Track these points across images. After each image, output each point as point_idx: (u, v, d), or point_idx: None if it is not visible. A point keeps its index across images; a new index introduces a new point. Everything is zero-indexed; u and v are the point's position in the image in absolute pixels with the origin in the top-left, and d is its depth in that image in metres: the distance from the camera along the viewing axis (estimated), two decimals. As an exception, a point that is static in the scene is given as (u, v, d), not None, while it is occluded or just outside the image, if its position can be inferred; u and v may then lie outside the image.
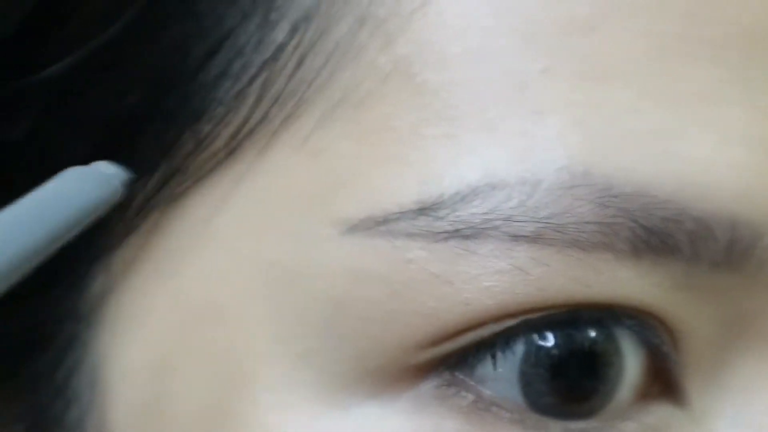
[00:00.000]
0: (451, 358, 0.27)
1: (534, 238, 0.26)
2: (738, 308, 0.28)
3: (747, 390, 0.28)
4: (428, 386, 0.27)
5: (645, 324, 0.27)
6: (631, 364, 0.28)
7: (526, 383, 0.27)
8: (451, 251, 0.26)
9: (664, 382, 0.28)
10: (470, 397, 0.27)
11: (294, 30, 0.27)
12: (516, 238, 0.26)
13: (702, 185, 0.26)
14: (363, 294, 0.26)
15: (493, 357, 0.27)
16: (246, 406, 0.27)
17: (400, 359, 0.26)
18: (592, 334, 0.27)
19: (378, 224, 0.26)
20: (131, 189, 0.28)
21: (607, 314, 0.27)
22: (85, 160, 0.29)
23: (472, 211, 0.26)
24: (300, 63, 0.27)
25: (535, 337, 0.27)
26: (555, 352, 0.27)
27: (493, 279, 0.26)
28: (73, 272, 0.30)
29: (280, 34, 0.27)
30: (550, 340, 0.27)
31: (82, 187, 0.25)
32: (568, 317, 0.27)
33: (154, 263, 0.29)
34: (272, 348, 0.27)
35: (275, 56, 0.27)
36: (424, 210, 0.26)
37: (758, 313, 0.28)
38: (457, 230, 0.26)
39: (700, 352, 0.28)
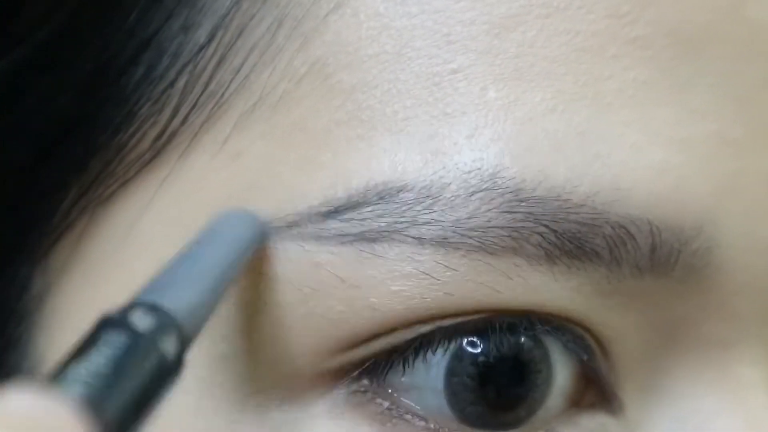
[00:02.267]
0: (365, 363, 0.26)
1: (440, 242, 0.25)
2: (669, 314, 0.27)
3: (683, 396, 0.27)
4: (343, 392, 0.26)
5: (567, 331, 0.27)
6: (561, 371, 0.27)
7: (452, 393, 0.27)
8: (357, 255, 0.25)
9: (597, 390, 0.27)
10: (385, 404, 0.26)
11: (214, 31, 0.27)
12: (422, 241, 0.25)
13: (620, 189, 0.25)
14: (275, 298, 0.26)
15: (406, 363, 0.26)
16: (167, 408, 0.27)
17: (314, 364, 0.26)
18: (519, 339, 0.26)
19: (289, 227, 0.26)
20: (63, 191, 0.29)
21: (523, 321, 0.26)
22: (19, 163, 0.29)
23: (377, 214, 0.25)
24: (219, 65, 0.27)
25: (454, 344, 0.26)
26: (480, 359, 0.26)
27: (399, 283, 0.25)
28: (14, 273, 0.30)
29: (201, 35, 0.27)
30: (473, 347, 0.26)
31: (243, 228, 0.26)
32: (483, 324, 0.26)
33: (86, 265, 0.29)
34: (190, 351, 0.27)
35: (195, 58, 0.27)
36: (331, 212, 0.26)
37: (691, 319, 0.27)
38: (362, 233, 0.25)
39: (632, 359, 0.27)
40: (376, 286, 0.25)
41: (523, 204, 0.25)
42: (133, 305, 0.22)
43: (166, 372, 0.21)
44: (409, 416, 0.26)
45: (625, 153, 0.26)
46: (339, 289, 0.25)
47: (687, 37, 0.26)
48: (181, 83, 0.27)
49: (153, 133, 0.28)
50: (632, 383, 0.27)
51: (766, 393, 0.27)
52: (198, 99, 0.27)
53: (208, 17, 0.27)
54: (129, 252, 0.28)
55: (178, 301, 0.23)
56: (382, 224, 0.25)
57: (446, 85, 0.26)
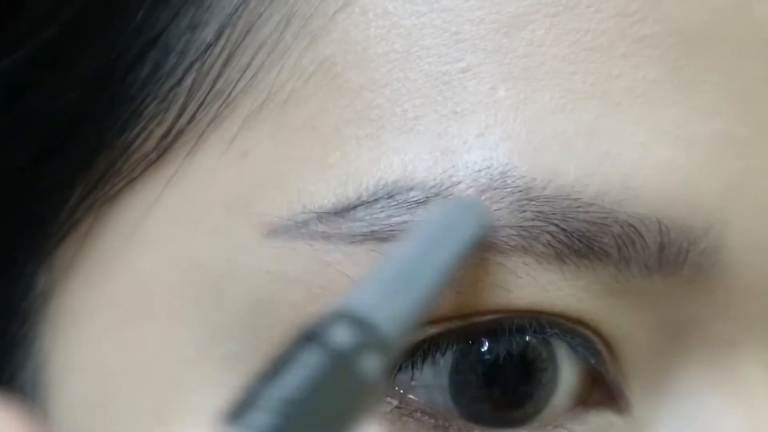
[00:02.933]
0: None
1: None
2: (677, 313, 0.27)
3: (690, 395, 0.27)
4: None
5: (575, 334, 0.27)
6: (567, 369, 0.27)
7: (457, 390, 0.26)
8: (366, 254, 0.25)
9: (604, 389, 0.27)
10: (394, 402, 0.26)
11: (222, 29, 0.27)
12: None
13: (630, 188, 0.25)
14: (284, 297, 0.26)
15: (415, 365, 0.26)
16: (175, 408, 0.27)
17: None
18: (525, 338, 0.26)
19: (298, 227, 0.26)
20: (68, 189, 0.29)
21: (532, 323, 0.26)
22: (24, 161, 0.29)
23: (388, 213, 0.25)
24: (226, 63, 0.27)
25: (462, 344, 0.26)
26: (486, 357, 0.26)
27: None
28: (19, 272, 0.30)
29: (208, 33, 0.27)
30: (479, 346, 0.26)
31: (472, 215, 0.25)
32: (492, 325, 0.26)
33: (91, 264, 0.29)
34: (198, 350, 0.27)
35: (203, 56, 0.27)
36: (340, 212, 0.26)
37: (699, 318, 0.27)
38: (372, 232, 0.25)
39: (640, 358, 0.27)
40: None
41: (533, 203, 0.25)
42: (334, 317, 0.20)
43: (366, 394, 0.19)
44: (418, 414, 0.26)
45: (634, 152, 0.26)
46: (348, 288, 0.25)
47: (693, 36, 0.27)
48: (188, 82, 0.27)
49: (159, 132, 0.28)
50: (639, 382, 0.27)
51: None
52: (205, 97, 0.27)
53: (215, 15, 0.27)
54: (135, 251, 0.28)
55: (387, 311, 0.21)
56: (392, 223, 0.25)
57: (456, 83, 0.26)
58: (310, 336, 0.19)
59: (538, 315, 0.26)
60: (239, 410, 0.18)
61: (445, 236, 0.24)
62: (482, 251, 0.25)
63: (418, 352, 0.26)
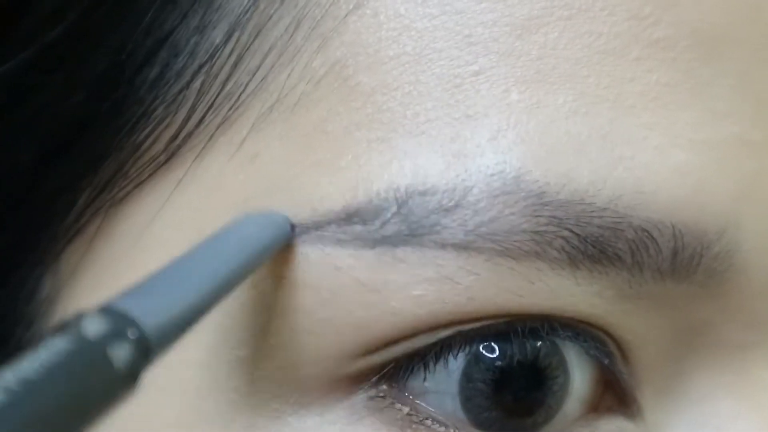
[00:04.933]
0: (385, 368, 0.26)
1: (463, 247, 0.25)
2: (690, 318, 0.27)
3: (703, 399, 0.27)
4: (362, 397, 0.26)
5: (587, 335, 0.26)
6: (579, 376, 0.27)
7: (466, 397, 0.26)
8: (378, 259, 0.25)
9: (615, 395, 0.27)
10: (405, 409, 0.26)
11: (231, 31, 0.27)
12: (444, 246, 0.25)
13: (643, 192, 0.25)
14: (294, 303, 0.26)
15: (427, 368, 0.26)
16: (184, 415, 0.27)
17: (333, 369, 0.26)
18: (536, 344, 0.26)
19: (308, 231, 0.26)
20: (75, 192, 0.28)
21: (545, 325, 0.26)
22: (31, 163, 0.29)
23: (399, 218, 0.25)
24: (236, 65, 0.27)
25: (473, 348, 0.26)
26: (496, 364, 0.26)
27: (421, 288, 0.25)
28: (25, 276, 0.30)
29: (217, 35, 0.27)
30: (490, 352, 0.26)
31: (261, 229, 0.25)
32: (504, 328, 0.26)
33: (98, 268, 0.29)
34: (209, 355, 0.27)
35: (212, 58, 0.27)
36: (351, 216, 0.25)
37: (711, 322, 0.27)
38: (384, 237, 0.25)
39: (652, 362, 0.27)
40: (396, 290, 0.25)
41: (546, 207, 0.25)
42: (94, 309, 0.20)
43: (113, 383, 0.19)
44: (428, 422, 0.26)
45: (648, 155, 0.25)
46: (359, 293, 0.25)
47: (708, 39, 0.26)
48: (197, 84, 0.27)
49: (168, 134, 0.27)
50: (651, 386, 0.27)
51: None
52: (214, 100, 0.27)
53: (224, 17, 0.27)
54: (142, 255, 0.28)
55: (151, 307, 0.21)
56: (404, 228, 0.25)
57: (468, 87, 0.25)
58: (63, 325, 0.19)
59: (549, 318, 0.26)
60: None
61: (235, 245, 0.24)
62: (493, 256, 0.25)
63: (429, 355, 0.26)
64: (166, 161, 0.27)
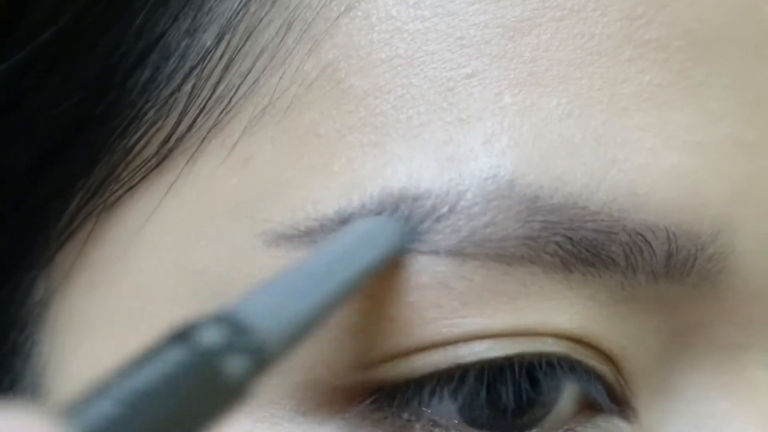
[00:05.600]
0: (382, 388, 0.26)
1: (456, 252, 0.25)
2: (683, 319, 0.27)
3: (698, 400, 0.27)
4: (359, 409, 0.26)
5: (579, 364, 0.26)
6: (571, 375, 0.27)
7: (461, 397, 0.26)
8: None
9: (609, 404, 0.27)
10: (405, 415, 0.26)
11: (222, 34, 0.27)
12: (437, 251, 0.25)
13: (637, 194, 0.25)
14: None
15: (421, 400, 0.26)
16: None
17: (329, 377, 0.26)
18: (534, 376, 0.26)
19: (301, 235, 0.25)
20: (68, 196, 0.28)
21: (542, 362, 0.26)
22: (23, 167, 0.29)
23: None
24: (227, 68, 0.27)
25: (469, 383, 0.26)
26: (492, 387, 0.26)
27: (415, 294, 0.25)
28: (18, 279, 0.30)
29: (208, 37, 0.27)
30: (485, 374, 0.26)
31: (378, 234, 0.25)
32: (500, 363, 0.25)
33: (91, 272, 0.28)
34: None
35: (203, 61, 0.27)
36: (345, 221, 0.25)
37: (705, 323, 0.27)
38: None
39: (647, 365, 0.27)
40: (391, 296, 0.25)
41: (539, 212, 0.25)
42: (209, 318, 0.20)
43: (227, 395, 0.19)
44: (430, 425, 0.26)
45: (641, 158, 0.25)
46: (354, 299, 0.25)
47: (702, 39, 0.26)
48: (188, 87, 0.27)
49: (160, 138, 0.27)
50: (646, 388, 0.27)
51: None
52: (206, 103, 0.27)
53: (215, 20, 0.27)
54: (135, 258, 0.28)
55: (267, 315, 0.20)
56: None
57: (461, 90, 0.25)
58: (178, 334, 0.19)
59: (545, 349, 0.25)
60: (87, 398, 0.17)
61: (351, 253, 0.24)
62: (487, 261, 0.25)
63: (426, 387, 0.26)
64: (158, 165, 0.27)
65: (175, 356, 0.18)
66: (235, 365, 0.19)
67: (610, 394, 0.27)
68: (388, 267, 0.25)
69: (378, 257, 0.24)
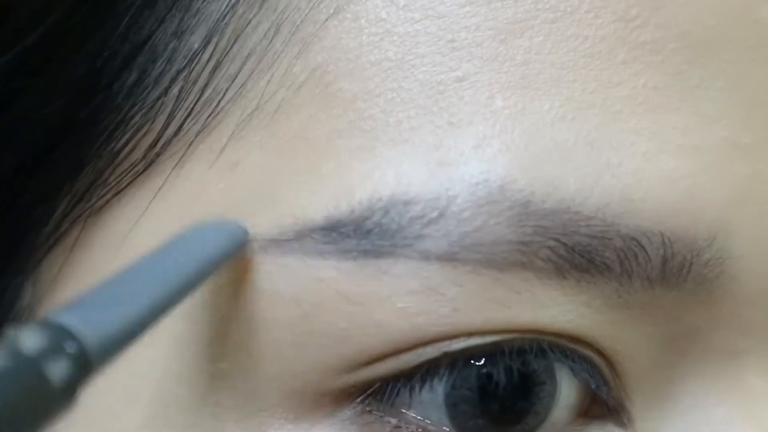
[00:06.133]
0: (370, 388, 0.25)
1: (447, 258, 0.24)
2: (680, 325, 0.26)
3: (694, 407, 0.27)
4: (348, 413, 0.26)
5: (575, 353, 0.26)
6: (567, 383, 0.26)
7: (452, 405, 0.26)
8: (360, 270, 0.25)
9: (604, 402, 0.27)
10: (393, 421, 0.26)
11: (209, 36, 0.26)
12: (428, 257, 0.24)
13: (631, 199, 0.25)
14: (275, 315, 0.25)
15: (413, 390, 0.25)
16: (163, 426, 0.27)
17: (317, 383, 0.25)
18: (524, 359, 0.26)
19: (289, 241, 0.25)
20: (54, 200, 0.28)
21: (533, 346, 0.25)
22: (9, 171, 0.28)
23: (382, 228, 0.24)
24: (214, 71, 0.26)
25: (459, 370, 0.25)
26: (482, 371, 0.26)
27: (405, 300, 0.25)
28: (5, 284, 0.29)
29: (195, 40, 0.26)
30: (476, 360, 0.26)
31: (214, 238, 0.24)
32: (490, 349, 0.25)
33: (78, 277, 0.28)
34: (188, 368, 0.26)
35: (190, 64, 0.26)
36: (333, 226, 0.25)
37: (702, 329, 0.26)
38: (366, 249, 0.25)
39: (643, 371, 0.27)
40: (380, 302, 0.25)
41: (532, 217, 0.24)
42: (32, 323, 0.19)
43: (50, 399, 0.19)
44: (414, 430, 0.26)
45: (636, 162, 0.25)
46: (342, 305, 0.25)
47: (697, 41, 0.26)
48: (175, 90, 0.27)
49: (147, 142, 0.27)
50: (642, 395, 0.27)
51: None
52: (193, 107, 0.26)
53: (202, 22, 0.26)
54: (122, 263, 0.27)
55: (92, 320, 0.20)
56: (387, 239, 0.24)
57: (451, 93, 0.25)
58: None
59: (538, 336, 0.25)
60: None
61: (185, 255, 0.23)
62: (478, 267, 0.24)
63: (415, 377, 0.25)
64: (145, 169, 0.27)
65: None
66: (56, 370, 0.19)
67: (606, 386, 0.26)
68: (376, 273, 0.25)
69: (214, 259, 0.24)
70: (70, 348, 0.19)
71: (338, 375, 0.25)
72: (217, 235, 0.25)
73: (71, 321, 0.20)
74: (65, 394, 0.19)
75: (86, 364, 0.20)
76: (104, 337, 0.20)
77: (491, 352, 0.25)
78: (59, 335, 0.19)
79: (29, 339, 0.19)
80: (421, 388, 0.25)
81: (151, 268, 0.23)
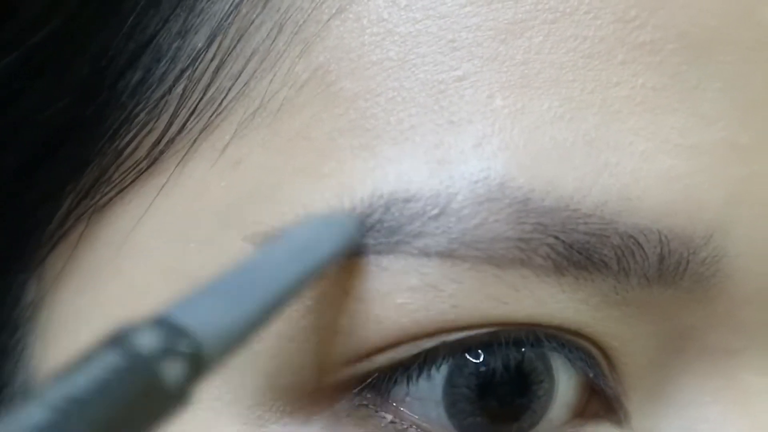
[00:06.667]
0: (368, 379, 0.26)
1: (446, 254, 0.25)
2: (677, 324, 0.26)
3: (690, 405, 0.27)
4: (346, 406, 0.26)
5: (572, 346, 0.26)
6: (564, 381, 0.27)
7: (450, 403, 0.26)
8: (362, 267, 0.25)
9: (602, 400, 0.27)
10: (389, 417, 0.26)
11: (213, 35, 0.27)
12: (428, 254, 0.25)
13: (629, 198, 0.25)
14: None
15: (410, 379, 0.26)
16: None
17: (317, 378, 0.26)
18: (522, 350, 0.26)
19: None
20: (59, 198, 0.28)
21: (529, 336, 0.26)
22: (14, 169, 0.29)
23: (384, 226, 0.25)
24: (218, 70, 0.27)
25: (457, 359, 0.26)
26: (480, 369, 0.26)
27: (405, 296, 0.25)
28: (9, 282, 0.30)
29: (199, 39, 0.27)
30: (474, 357, 0.26)
31: (330, 231, 0.24)
32: (488, 339, 0.25)
33: (82, 274, 0.28)
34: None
35: (194, 63, 0.27)
36: None
37: (699, 328, 0.27)
38: (367, 245, 0.25)
39: (639, 369, 0.27)
40: (380, 299, 0.25)
41: (531, 214, 0.24)
42: (147, 321, 0.19)
43: (165, 401, 0.19)
44: (413, 429, 0.26)
45: (634, 161, 0.25)
46: (343, 301, 0.25)
47: (696, 41, 0.26)
48: (179, 89, 0.27)
49: (150, 140, 0.27)
50: (638, 393, 0.27)
51: None
52: (196, 105, 0.27)
53: (206, 21, 0.27)
54: (126, 261, 0.28)
55: (206, 317, 0.20)
56: (388, 236, 0.25)
57: (452, 92, 0.25)
58: (114, 338, 0.18)
59: (535, 328, 0.26)
60: (19, 406, 0.17)
61: (297, 251, 0.23)
62: (477, 264, 0.25)
63: (413, 366, 0.26)
64: (149, 167, 0.27)
65: (110, 361, 0.18)
66: (172, 371, 0.19)
67: (604, 377, 0.26)
68: (377, 269, 0.25)
69: (327, 255, 0.24)
70: (185, 348, 0.19)
71: (337, 369, 0.25)
72: (329, 228, 0.24)
73: (186, 319, 0.20)
74: (179, 395, 0.19)
75: (200, 364, 0.19)
76: (218, 336, 0.20)
77: (488, 342, 0.25)
78: (174, 334, 0.19)
79: (144, 338, 0.19)
80: (418, 376, 0.25)
81: (263, 263, 0.23)
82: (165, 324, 0.19)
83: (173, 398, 0.19)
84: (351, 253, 0.25)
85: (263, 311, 0.22)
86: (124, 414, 0.18)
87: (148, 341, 0.19)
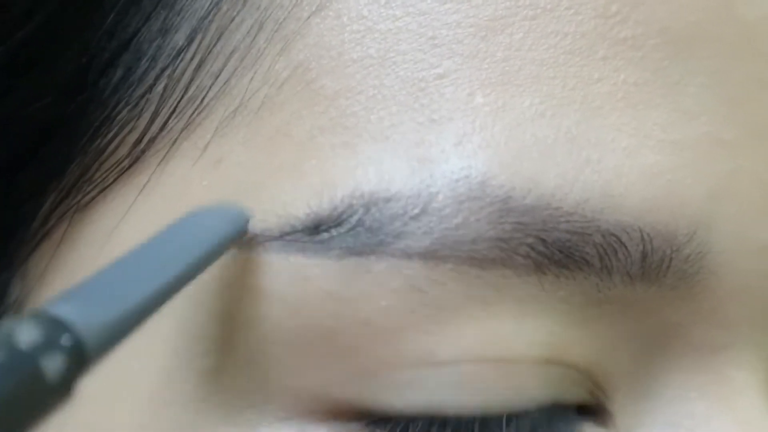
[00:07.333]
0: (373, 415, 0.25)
1: (428, 255, 0.24)
2: (660, 320, 0.26)
3: (675, 401, 0.27)
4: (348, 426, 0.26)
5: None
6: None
7: None
8: (344, 268, 0.25)
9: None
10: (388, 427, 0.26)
11: (193, 34, 0.26)
12: (410, 255, 0.24)
13: (612, 195, 0.25)
14: (262, 312, 0.25)
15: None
16: (152, 423, 0.27)
17: (306, 381, 0.25)
18: None
19: (273, 239, 0.25)
20: (41, 197, 0.28)
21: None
22: (-3, 166, 0.28)
23: (364, 226, 0.25)
24: (198, 69, 0.26)
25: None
26: None
27: (388, 298, 0.25)
28: None
29: (180, 38, 0.27)
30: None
31: (216, 223, 0.24)
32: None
33: (65, 273, 0.28)
34: (176, 364, 0.26)
35: (174, 61, 0.27)
36: (316, 224, 0.25)
37: (682, 324, 0.26)
38: (348, 246, 0.25)
39: (623, 367, 0.27)
40: (364, 300, 0.25)
41: (511, 214, 0.24)
42: (27, 316, 0.19)
43: (46, 395, 0.19)
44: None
45: (616, 158, 0.25)
46: (328, 303, 0.25)
47: (678, 37, 0.26)
48: (159, 87, 0.27)
49: (132, 139, 0.27)
50: (623, 390, 0.27)
51: (758, 396, 0.27)
52: (177, 104, 0.27)
53: (186, 20, 0.27)
54: (109, 259, 0.27)
55: (88, 311, 0.20)
56: (369, 236, 0.25)
57: (432, 90, 0.25)
58: None
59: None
60: None
61: (184, 243, 0.23)
62: (458, 264, 0.25)
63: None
64: (131, 166, 0.27)
65: None
66: (52, 365, 0.19)
67: (581, 409, 0.26)
68: (359, 271, 0.25)
69: (215, 245, 0.23)
70: (66, 341, 0.19)
71: (331, 380, 0.25)
72: (216, 219, 0.24)
73: (67, 313, 0.20)
74: (61, 389, 0.19)
75: (82, 358, 0.19)
76: (101, 329, 0.20)
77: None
78: (54, 328, 0.19)
79: (24, 333, 0.19)
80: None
81: (148, 256, 0.23)
82: (45, 318, 0.19)
83: (55, 392, 0.19)
84: (242, 245, 0.24)
85: (149, 303, 0.22)
86: (5, 408, 0.18)
87: (27, 336, 0.19)
